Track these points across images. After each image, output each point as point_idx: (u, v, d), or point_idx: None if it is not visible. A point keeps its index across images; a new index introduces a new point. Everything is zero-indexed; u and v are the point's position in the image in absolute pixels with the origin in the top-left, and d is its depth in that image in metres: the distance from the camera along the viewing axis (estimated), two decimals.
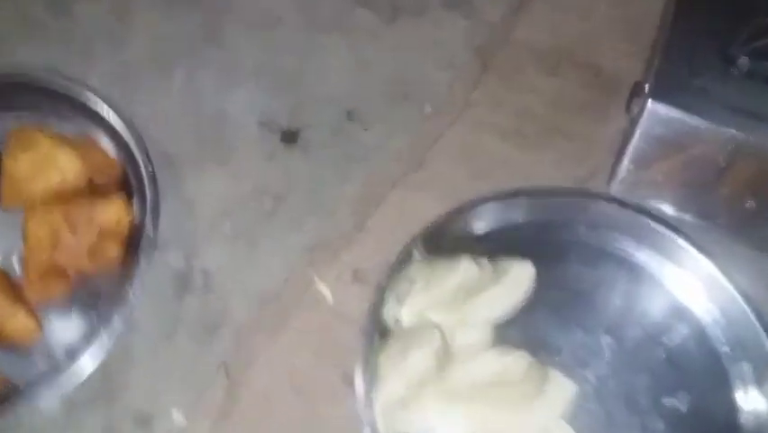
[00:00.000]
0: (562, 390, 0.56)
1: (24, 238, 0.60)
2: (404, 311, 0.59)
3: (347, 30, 0.79)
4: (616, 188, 0.64)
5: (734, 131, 0.54)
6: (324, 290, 0.62)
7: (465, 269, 0.56)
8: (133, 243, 0.61)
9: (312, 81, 0.75)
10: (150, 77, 0.74)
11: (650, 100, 0.55)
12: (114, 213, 0.60)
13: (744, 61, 0.58)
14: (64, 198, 0.61)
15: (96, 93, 0.67)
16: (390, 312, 0.58)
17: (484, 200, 0.62)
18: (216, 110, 0.72)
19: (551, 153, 0.71)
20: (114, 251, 0.60)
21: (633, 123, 0.58)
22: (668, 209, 0.65)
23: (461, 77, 0.76)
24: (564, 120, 0.73)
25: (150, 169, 0.63)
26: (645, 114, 0.55)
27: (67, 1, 0.79)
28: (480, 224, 0.63)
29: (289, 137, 0.71)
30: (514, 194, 0.63)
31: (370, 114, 0.74)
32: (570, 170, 0.70)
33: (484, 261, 0.58)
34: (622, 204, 0.62)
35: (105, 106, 0.66)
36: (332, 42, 0.78)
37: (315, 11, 0.80)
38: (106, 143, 0.67)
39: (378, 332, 0.57)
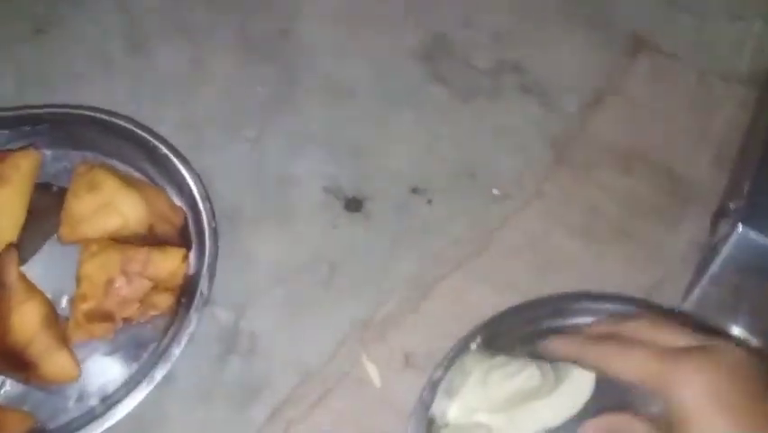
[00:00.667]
0: None
1: (77, 280, 0.59)
2: (454, 406, 0.56)
3: (420, 105, 0.79)
4: (688, 306, 0.61)
5: None
6: (372, 370, 0.60)
7: (528, 376, 0.53)
8: (185, 295, 0.60)
9: (380, 153, 0.75)
10: (219, 130, 0.74)
11: (740, 225, 0.53)
12: (170, 264, 0.59)
13: None
14: (122, 242, 0.61)
15: (165, 141, 0.68)
16: (439, 405, 0.55)
17: (549, 300, 0.60)
18: (282, 171, 0.72)
19: (618, 256, 0.68)
20: (165, 302, 0.59)
21: (717, 244, 0.56)
22: (735, 330, 0.62)
23: (532, 165, 0.75)
24: (634, 223, 0.71)
25: (214, 224, 0.62)
26: (734, 238, 0.53)
27: (147, 44, 0.81)
28: (544, 323, 0.60)
29: (353, 206, 0.70)
30: (581, 297, 0.61)
31: (436, 191, 0.72)
32: (636, 275, 0.67)
33: (546, 366, 0.55)
34: (697, 323, 0.58)
35: (174, 155, 0.66)
36: (403, 117, 0.78)
37: (389, 83, 0.80)
38: (171, 192, 0.67)
39: (425, 425, 0.54)
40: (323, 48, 0.82)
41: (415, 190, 0.72)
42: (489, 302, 0.62)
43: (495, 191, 0.73)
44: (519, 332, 0.59)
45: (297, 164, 0.72)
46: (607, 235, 0.70)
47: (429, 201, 0.71)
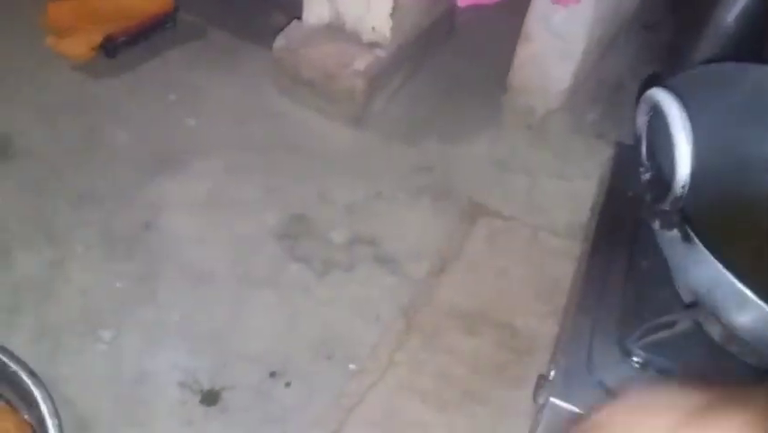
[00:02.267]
0: None
1: None
2: None
3: (279, 284, 0.83)
4: None
5: None
6: None
7: None
8: None
9: (239, 339, 0.78)
10: (76, 335, 0.75)
11: (551, 398, 0.58)
12: None
13: (639, 354, 0.62)
14: None
15: (14, 356, 0.67)
16: None
17: None
18: (139, 370, 0.73)
19: (467, 419, 0.73)
20: None
21: (538, 413, 0.60)
22: None
23: (386, 335, 0.79)
24: (481, 383, 0.76)
25: None
26: (547, 409, 0.58)
27: (7, 250, 0.82)
28: None
29: (210, 399, 0.71)
30: None
31: (294, 373, 0.75)
32: None
33: None
34: None
35: (24, 371, 0.66)
36: (263, 297, 0.82)
37: (249, 266, 0.85)
38: (21, 407, 0.66)
39: None
40: (184, 237, 0.87)
41: (273, 375, 0.75)
42: None
43: (351, 366, 0.77)
44: None
45: (154, 361, 0.74)
46: (457, 401, 0.74)
47: (287, 384, 0.74)
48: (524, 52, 0.92)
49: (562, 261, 0.88)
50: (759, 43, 0.90)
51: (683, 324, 0.60)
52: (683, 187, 0.49)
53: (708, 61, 0.93)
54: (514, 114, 0.99)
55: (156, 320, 0.77)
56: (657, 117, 0.51)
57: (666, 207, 0.52)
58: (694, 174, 0.65)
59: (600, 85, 1.03)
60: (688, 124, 0.48)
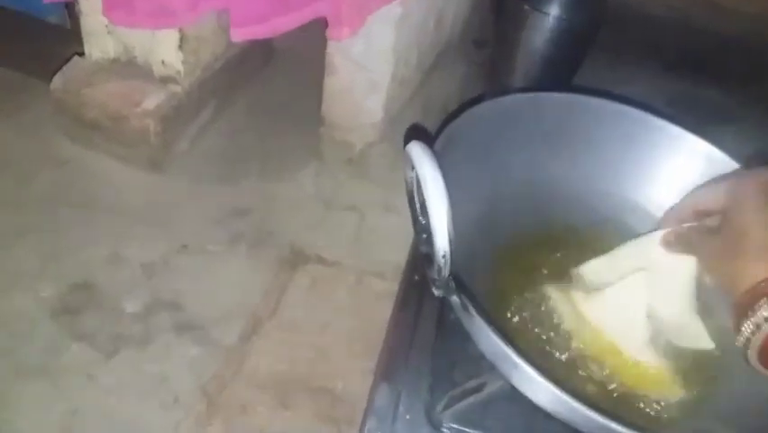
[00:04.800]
0: None
1: None
2: None
3: (56, 372, 0.70)
4: None
5: None
6: None
7: None
8: None
9: None
10: None
11: None
12: None
13: (450, 427, 0.55)
14: None
15: None
16: None
17: None
18: None
19: None
20: None
21: None
22: None
23: (182, 422, 0.68)
24: None
25: None
26: None
27: None
28: None
29: None
30: None
31: None
32: None
33: None
34: None
35: None
36: (36, 391, 0.68)
37: (18, 351, 0.71)
38: None
39: None
40: None
41: None
42: None
43: None
44: None
45: None
46: None
47: None
48: (331, 85, 0.84)
49: (389, 307, 0.81)
50: (572, 68, 0.86)
51: (492, 385, 0.54)
52: (444, 256, 0.42)
53: (524, 85, 0.89)
54: (333, 147, 0.91)
55: None
56: None
57: (434, 275, 0.45)
58: (484, 219, 0.58)
59: (425, 111, 0.98)
60: (442, 188, 0.41)
